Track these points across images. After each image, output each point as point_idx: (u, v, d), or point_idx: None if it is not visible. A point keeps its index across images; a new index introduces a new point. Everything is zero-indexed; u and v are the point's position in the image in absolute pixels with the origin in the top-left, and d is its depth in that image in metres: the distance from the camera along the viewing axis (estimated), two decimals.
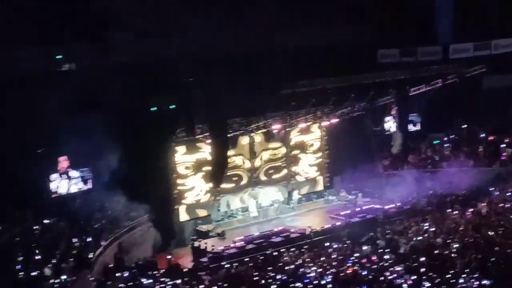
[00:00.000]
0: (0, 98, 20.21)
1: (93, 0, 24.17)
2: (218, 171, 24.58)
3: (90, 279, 17.09)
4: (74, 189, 22.10)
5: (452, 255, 15.89)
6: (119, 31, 24.89)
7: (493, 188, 22.71)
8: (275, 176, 26.68)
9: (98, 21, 24.12)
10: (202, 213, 24.80)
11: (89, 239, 19.90)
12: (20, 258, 16.95)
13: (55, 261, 17.30)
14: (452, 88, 26.87)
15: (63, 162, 21.98)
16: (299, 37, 28.17)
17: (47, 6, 22.07)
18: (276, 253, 20.31)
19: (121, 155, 21.35)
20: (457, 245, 16.67)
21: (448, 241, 17.40)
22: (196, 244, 22.20)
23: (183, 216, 24.35)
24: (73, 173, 22.19)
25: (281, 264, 18.86)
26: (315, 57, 26.15)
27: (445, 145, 28.04)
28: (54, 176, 21.68)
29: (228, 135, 24.14)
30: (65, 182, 21.93)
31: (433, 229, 19.39)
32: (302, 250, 20.37)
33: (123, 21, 24.47)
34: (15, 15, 21.20)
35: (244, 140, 25.82)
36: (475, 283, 13.13)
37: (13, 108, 20.20)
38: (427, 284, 14.21)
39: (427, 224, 20.26)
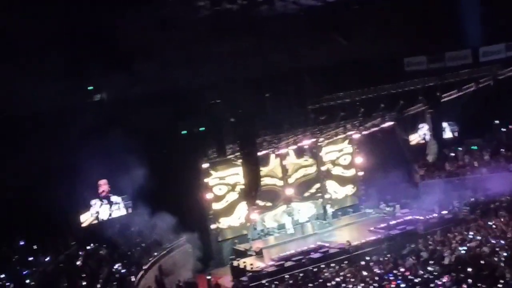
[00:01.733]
0: (33, 133, 20.68)
1: (120, 32, 24.73)
2: (252, 189, 24.49)
3: None
4: (116, 214, 22.44)
5: (501, 264, 15.31)
6: (146, 61, 25.40)
7: None
8: (308, 192, 26.50)
9: (126, 52, 24.66)
10: (239, 232, 24.74)
11: (130, 263, 20.01)
12: (66, 285, 17.16)
13: (99, 286, 17.42)
14: (487, 91, 26.28)
15: (104, 186, 22.40)
16: (324, 55, 28.18)
17: (75, 40, 22.66)
18: (315, 269, 20.03)
19: (155, 179, 21.60)
20: (505, 254, 16.06)
21: (496, 249, 16.80)
22: (235, 263, 22.06)
23: (221, 236, 24.36)
24: (115, 198, 22.63)
25: (322, 280, 18.56)
26: (341, 72, 26.13)
27: (484, 151, 27.29)
28: (94, 201, 22.05)
29: (259, 153, 24.15)
30: (106, 208, 22.31)
31: (479, 238, 18.79)
32: (342, 265, 20.01)
33: (150, 51, 24.97)
34: (45, 49, 21.80)
35: (275, 158, 25.73)
36: None
37: (52, 140, 20.71)
38: None
39: (471, 233, 19.66)
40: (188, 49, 25.60)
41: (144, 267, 20.37)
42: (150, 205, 22.11)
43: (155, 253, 21.71)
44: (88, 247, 20.46)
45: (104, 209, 22.28)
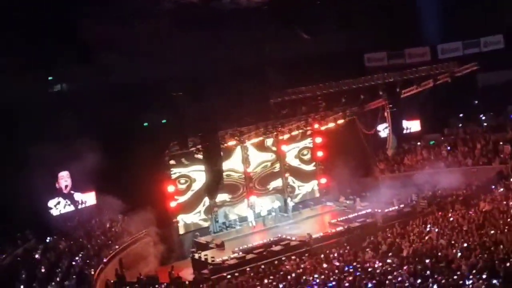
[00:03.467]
0: None
1: (85, 24, 24.31)
2: (213, 182, 24.44)
3: None
4: (72, 208, 22.06)
5: (458, 256, 15.71)
6: (109, 53, 25.00)
7: (495, 186, 22.57)
8: (270, 185, 26.62)
9: (88, 44, 24.25)
10: (200, 225, 24.63)
11: (90, 257, 19.67)
12: (23, 278, 16.76)
13: (58, 279, 17.06)
14: (447, 87, 26.92)
15: (65, 179, 21.97)
16: (286, 48, 28.32)
17: (41, 31, 22.25)
18: (276, 262, 20.12)
19: (117, 171, 21.35)
20: (462, 246, 16.49)
21: (452, 242, 17.22)
22: (196, 256, 21.96)
23: (182, 228, 24.22)
24: (78, 196, 22.50)
25: (283, 272, 18.65)
26: (303, 66, 26.31)
27: (442, 146, 27.96)
28: (54, 200, 21.75)
29: (221, 147, 24.05)
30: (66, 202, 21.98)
31: (436, 230, 19.23)
32: (303, 258, 20.16)
33: (114, 43, 24.59)
34: (9, 42, 21.34)
35: (237, 151, 25.70)
36: (484, 283, 12.94)
37: (12, 130, 20.18)
38: (434, 286, 14.01)
39: (429, 225, 20.11)
40: (151, 41, 25.33)
41: (104, 260, 20.04)
42: (111, 198, 21.80)
43: (116, 246, 21.38)
44: (47, 240, 19.95)
45: (63, 203, 21.86)
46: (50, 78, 25.05)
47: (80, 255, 19.47)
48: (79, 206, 22.89)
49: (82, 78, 24.72)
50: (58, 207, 22.34)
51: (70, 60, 24.02)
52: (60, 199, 22.46)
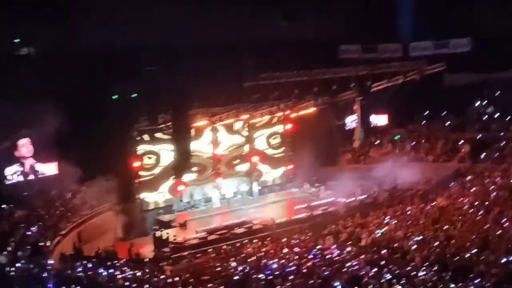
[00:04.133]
0: None
1: None
2: (181, 161, 24.44)
3: (47, 267, 16.67)
4: (32, 177, 21.60)
5: (412, 248, 16.23)
6: (83, 17, 24.36)
7: (452, 184, 23.29)
8: (238, 168, 26.79)
9: (62, 5, 23.57)
10: (164, 203, 24.58)
11: (47, 228, 19.41)
12: None
13: (9, 249, 16.79)
14: (415, 85, 27.48)
15: (26, 145, 21.45)
16: (264, 31, 28.25)
17: None
18: (238, 244, 20.34)
19: (81, 143, 20.94)
20: (417, 238, 17.03)
21: (408, 235, 17.76)
22: (157, 234, 21.98)
23: (145, 205, 24.10)
24: (39, 167, 21.91)
25: (244, 255, 18.89)
26: (278, 51, 26.37)
27: (407, 141, 28.58)
28: (11, 168, 21.24)
29: (191, 126, 24.01)
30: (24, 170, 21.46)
31: (394, 222, 19.76)
32: (265, 242, 20.45)
33: (88, 6, 23.96)
34: None
35: (207, 131, 25.70)
36: (435, 275, 13.45)
37: None
38: (388, 276, 14.46)
39: (388, 217, 20.64)
40: (130, 8, 24.78)
41: (62, 232, 19.83)
42: (74, 169, 21.46)
43: (76, 219, 21.16)
44: (2, 207, 19.55)
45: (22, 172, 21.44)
46: (16, 40, 24.20)
47: (37, 226, 19.12)
48: (39, 176, 22.38)
49: (51, 42, 23.80)
50: (15, 175, 21.80)
51: (39, 21, 23.16)
52: (18, 167, 21.87)
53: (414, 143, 28.15)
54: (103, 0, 24.39)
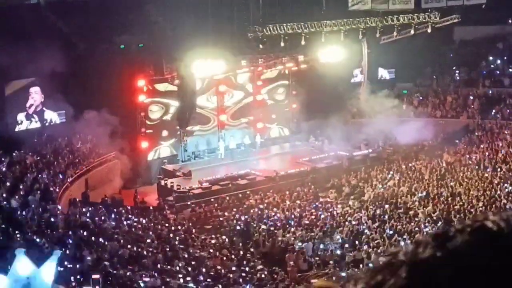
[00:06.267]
0: None
1: None
2: (185, 112, 24.41)
3: (57, 212, 16.96)
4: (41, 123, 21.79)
5: (416, 203, 16.31)
6: None
7: (460, 140, 23.14)
8: (241, 120, 26.60)
9: None
10: (168, 152, 24.67)
11: (56, 174, 19.62)
12: None
13: (21, 193, 17.06)
14: (423, 38, 26.89)
15: (36, 95, 21.49)
16: None
17: None
18: (241, 195, 20.51)
19: (90, 91, 20.94)
20: (421, 195, 17.09)
21: (412, 190, 17.81)
22: (162, 182, 22.15)
23: (150, 154, 24.19)
24: (49, 115, 21.98)
25: (246, 206, 19.08)
26: (285, 1, 25.78)
27: (414, 95, 28.25)
28: (21, 115, 21.36)
29: (196, 78, 23.80)
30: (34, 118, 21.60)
31: (397, 177, 19.80)
32: (268, 193, 20.59)
33: None
34: None
35: (213, 82, 25.44)
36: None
37: None
38: (390, 231, 14.60)
39: (391, 172, 20.66)
40: None
41: (70, 179, 20.03)
42: (82, 117, 21.52)
43: (83, 166, 21.34)
44: (13, 154, 19.71)
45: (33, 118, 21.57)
46: None
47: (46, 172, 19.39)
48: (48, 123, 22.58)
49: None
50: (25, 122, 22.01)
51: None
52: (29, 114, 22.07)
53: (421, 98, 27.83)
54: None
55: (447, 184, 17.88)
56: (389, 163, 22.26)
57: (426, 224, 14.11)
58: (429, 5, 29.50)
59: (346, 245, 14.75)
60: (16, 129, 21.67)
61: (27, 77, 21.59)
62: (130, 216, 17.82)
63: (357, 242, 14.63)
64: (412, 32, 26.76)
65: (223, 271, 13.50)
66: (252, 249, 15.68)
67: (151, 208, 19.91)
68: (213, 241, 16.18)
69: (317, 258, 14.78)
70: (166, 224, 17.38)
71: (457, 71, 28.67)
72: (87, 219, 16.18)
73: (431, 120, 25.79)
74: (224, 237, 16.41)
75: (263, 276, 13.28)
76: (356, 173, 21.49)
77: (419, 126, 24.31)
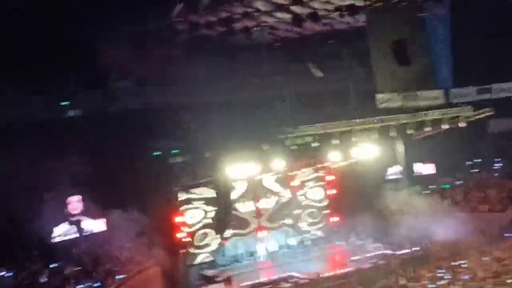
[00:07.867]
0: (7, 145, 20.06)
1: (97, 51, 24.52)
2: (223, 216, 24.45)
3: None
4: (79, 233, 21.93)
5: None
6: (122, 80, 25.10)
7: (509, 234, 22.30)
8: (280, 221, 26.33)
9: (102, 70, 24.39)
10: (207, 257, 24.39)
11: (96, 284, 19.39)
12: None
13: None
14: (457, 133, 26.91)
15: (76, 203, 21.84)
16: (297, 84, 28.44)
17: (52, 57, 22.37)
18: None
19: (125, 199, 21.22)
20: None
21: None
22: None
23: (189, 260, 23.92)
24: (87, 224, 22.25)
25: None
26: (315, 102, 26.40)
27: (457, 190, 27.71)
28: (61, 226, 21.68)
29: (232, 181, 24.03)
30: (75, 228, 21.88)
31: (449, 276, 18.90)
32: None
33: (126, 70, 24.72)
34: (22, 66, 21.42)
35: (250, 184, 25.56)
36: None
37: (20, 154, 20.09)
38: None
39: (442, 271, 19.77)
40: (164, 68, 25.40)
41: None
42: (120, 226, 21.62)
43: (122, 275, 21.02)
44: (53, 264, 19.71)
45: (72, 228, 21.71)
46: (64, 103, 24.94)
47: (85, 282, 19.14)
48: (87, 233, 22.66)
49: (90, 104, 24.54)
50: (64, 234, 22.14)
51: (78, 84, 24.02)
52: (68, 225, 22.24)
53: (464, 192, 27.28)
54: (140, 64, 25.10)
55: (505, 281, 16.95)
56: (437, 260, 21.37)
57: None
58: (459, 99, 29.85)
59: None
60: (57, 240, 21.72)
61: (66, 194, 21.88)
62: None
63: None
64: (445, 126, 26.87)
65: None
66: None
67: None
68: None
69: None
70: None
71: (497, 164, 28.36)
72: None
73: (476, 214, 25.07)
74: None
75: None
76: (405, 272, 20.62)
77: (464, 221, 23.59)
